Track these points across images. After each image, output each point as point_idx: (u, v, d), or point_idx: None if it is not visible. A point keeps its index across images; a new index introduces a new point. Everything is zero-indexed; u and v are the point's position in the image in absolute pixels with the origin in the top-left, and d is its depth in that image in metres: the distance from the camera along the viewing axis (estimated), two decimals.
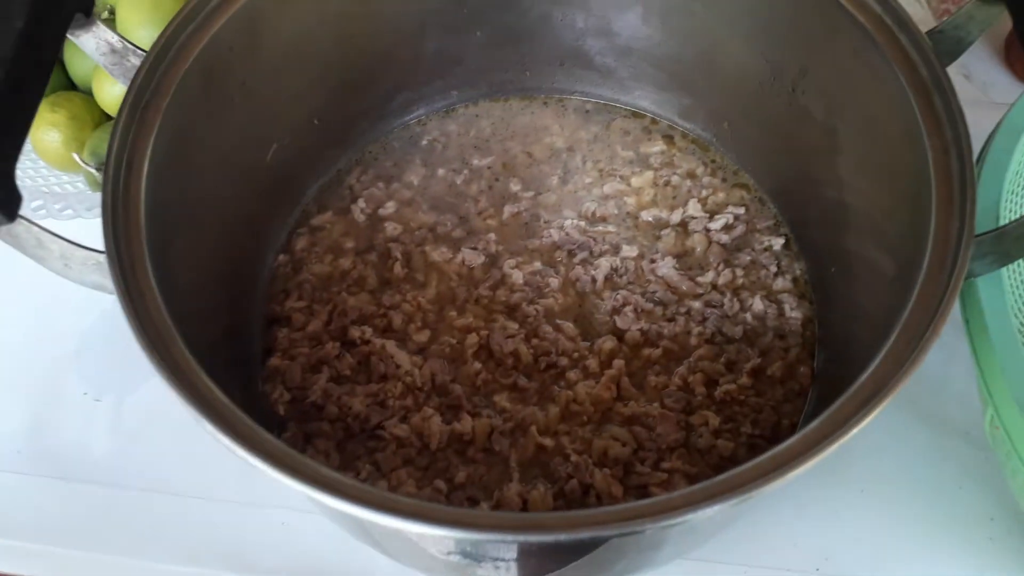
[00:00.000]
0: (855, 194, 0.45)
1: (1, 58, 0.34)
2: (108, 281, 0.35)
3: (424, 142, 0.57)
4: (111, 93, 0.55)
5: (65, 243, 0.35)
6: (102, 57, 0.41)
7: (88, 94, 0.58)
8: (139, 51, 0.41)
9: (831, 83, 0.44)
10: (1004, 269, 0.37)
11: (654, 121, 0.57)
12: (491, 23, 0.54)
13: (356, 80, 0.52)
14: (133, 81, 0.38)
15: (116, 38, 0.41)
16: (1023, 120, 0.41)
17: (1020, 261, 0.39)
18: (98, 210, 0.49)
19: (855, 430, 0.30)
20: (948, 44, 0.39)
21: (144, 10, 0.52)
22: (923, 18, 0.62)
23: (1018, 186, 0.41)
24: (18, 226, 0.33)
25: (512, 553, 0.33)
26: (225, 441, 0.30)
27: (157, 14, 0.52)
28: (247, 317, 0.49)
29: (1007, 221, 0.37)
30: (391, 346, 0.48)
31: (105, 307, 0.51)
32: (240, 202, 0.47)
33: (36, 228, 0.34)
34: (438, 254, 0.52)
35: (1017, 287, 0.43)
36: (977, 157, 0.41)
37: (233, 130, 0.45)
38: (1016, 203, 0.41)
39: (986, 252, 0.35)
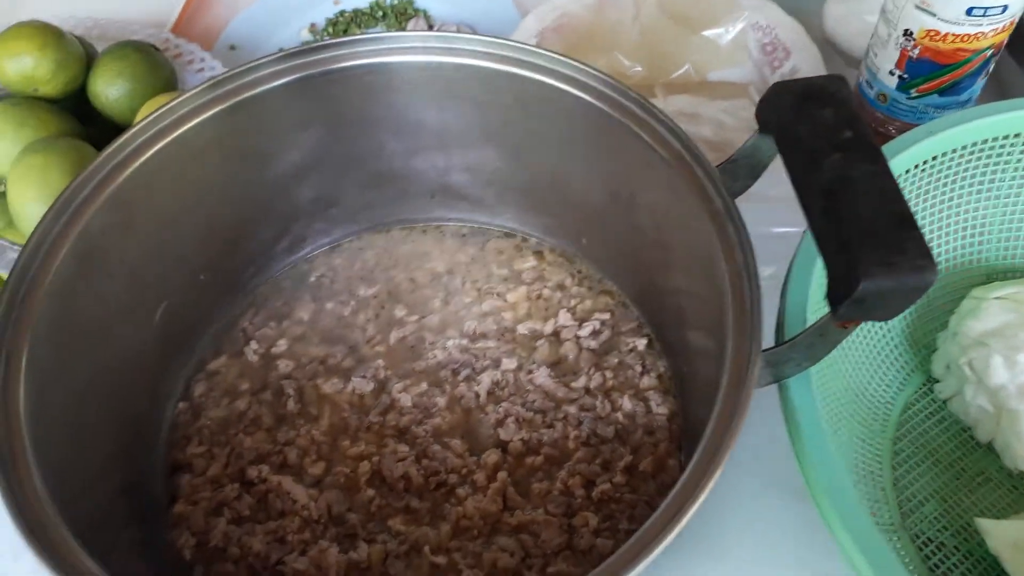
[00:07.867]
0: (688, 299, 0.50)
1: None
2: None
3: (312, 278, 0.61)
4: None
5: None
6: None
7: None
8: (15, 246, 0.44)
9: (655, 207, 0.50)
10: (813, 371, 0.42)
11: (524, 239, 0.62)
12: (359, 171, 0.58)
13: (237, 236, 0.56)
14: (8, 279, 0.42)
15: None
16: None
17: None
18: None
19: (684, 518, 0.35)
20: (744, 170, 0.45)
21: (32, 186, 0.56)
22: None
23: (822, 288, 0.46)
24: None
25: None
26: None
27: (45, 190, 0.55)
28: (150, 467, 0.51)
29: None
30: (287, 482, 0.51)
31: None
32: (133, 364, 0.50)
33: None
34: (329, 386, 0.55)
35: (823, 388, 0.47)
36: (790, 263, 0.47)
37: (117, 302, 0.48)
38: (821, 306, 0.46)
39: (787, 359, 0.40)
